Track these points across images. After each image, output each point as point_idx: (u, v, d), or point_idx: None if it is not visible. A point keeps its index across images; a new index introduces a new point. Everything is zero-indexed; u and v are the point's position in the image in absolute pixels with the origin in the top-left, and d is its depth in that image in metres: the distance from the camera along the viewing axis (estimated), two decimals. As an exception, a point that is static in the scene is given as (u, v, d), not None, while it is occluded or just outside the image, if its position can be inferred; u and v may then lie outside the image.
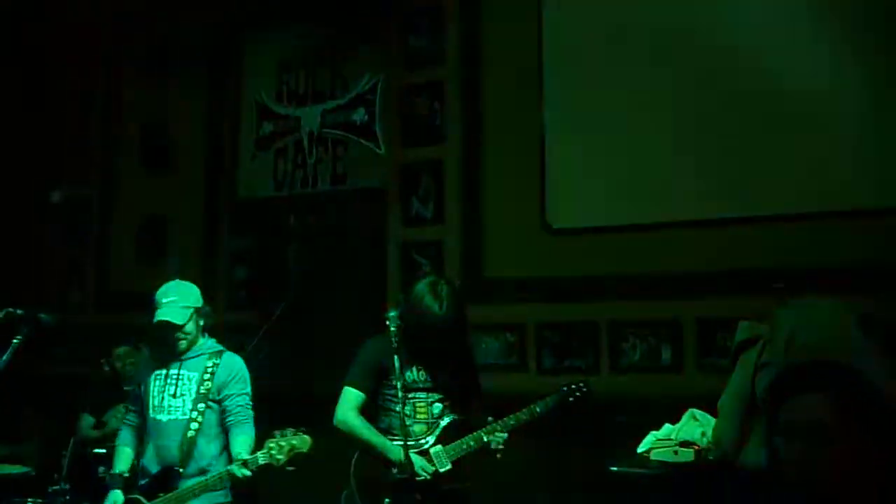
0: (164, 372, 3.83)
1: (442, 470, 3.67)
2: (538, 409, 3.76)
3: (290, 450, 3.45)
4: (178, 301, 3.75)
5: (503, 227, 5.19)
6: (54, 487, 4.39)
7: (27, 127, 6.59)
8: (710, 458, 3.26)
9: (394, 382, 3.53)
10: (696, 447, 3.43)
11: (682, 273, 4.73)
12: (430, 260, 5.31)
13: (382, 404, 3.74)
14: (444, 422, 3.74)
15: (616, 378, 4.86)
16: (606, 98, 5.02)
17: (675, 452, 3.44)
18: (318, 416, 5.17)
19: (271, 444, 3.46)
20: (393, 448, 3.64)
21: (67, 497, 4.45)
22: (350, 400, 3.76)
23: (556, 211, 5.11)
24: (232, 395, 3.77)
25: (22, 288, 6.58)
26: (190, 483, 3.62)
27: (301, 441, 3.46)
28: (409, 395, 3.67)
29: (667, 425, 3.60)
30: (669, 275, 4.76)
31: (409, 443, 3.54)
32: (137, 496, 3.74)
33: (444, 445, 3.69)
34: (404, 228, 5.42)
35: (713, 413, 3.03)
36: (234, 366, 3.86)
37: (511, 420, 3.72)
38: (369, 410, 3.79)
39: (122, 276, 6.44)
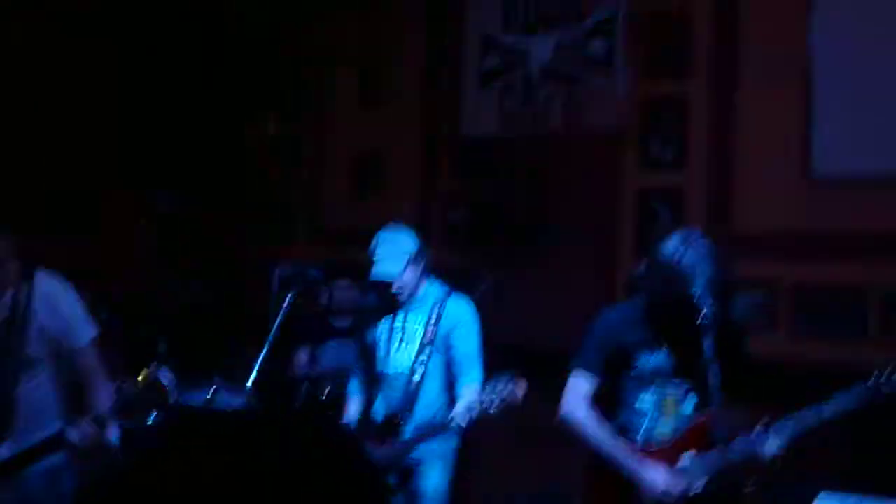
0: (388, 323, 3.73)
1: (695, 486, 2.88)
2: (828, 413, 2.83)
3: (503, 400, 3.25)
4: (390, 252, 3.61)
5: (757, 172, 4.59)
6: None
7: (237, 61, 6.55)
8: None
9: (636, 368, 2.99)
10: None
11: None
12: (669, 209, 4.82)
13: (619, 395, 3.07)
14: (699, 422, 2.98)
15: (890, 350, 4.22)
16: (884, 28, 4.29)
17: None
18: (540, 369, 4.92)
19: (484, 394, 3.29)
20: (641, 468, 2.90)
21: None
22: (579, 390, 3.10)
23: (823, 155, 4.46)
24: (459, 340, 3.61)
25: (235, 224, 6.72)
26: (414, 432, 3.55)
27: (513, 390, 3.25)
28: (656, 386, 3.01)
29: None
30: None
31: (653, 448, 2.96)
32: (366, 446, 3.65)
33: (697, 453, 2.93)
34: (641, 173, 4.92)
35: None
36: (460, 309, 3.69)
37: (790, 425, 2.85)
38: (602, 401, 3.16)
39: (336, 212, 6.36)
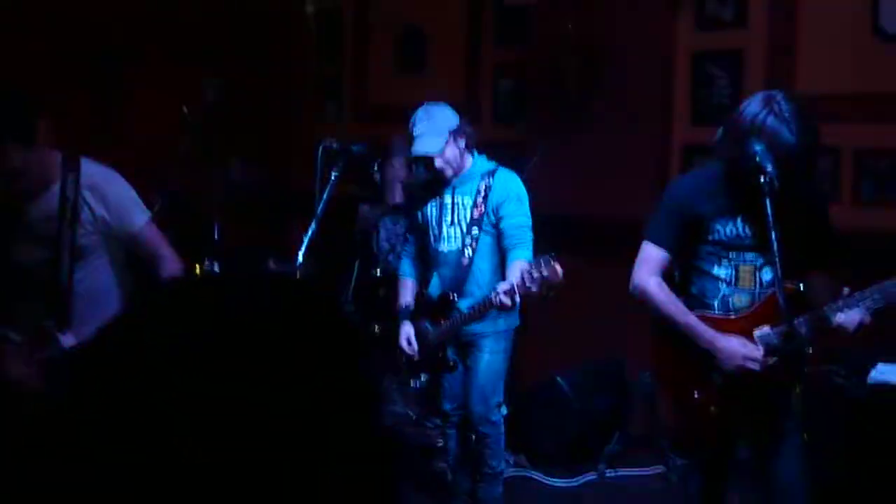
0: (437, 200, 3.69)
1: (771, 358, 2.78)
2: None
3: (543, 281, 3.18)
4: (429, 129, 3.53)
5: (821, 31, 4.34)
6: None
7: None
8: None
9: (711, 237, 2.84)
10: None
11: None
12: (727, 73, 4.60)
13: (694, 263, 2.94)
14: (774, 292, 2.77)
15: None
16: None
17: None
18: (591, 239, 4.86)
19: (525, 274, 3.23)
20: (718, 336, 2.80)
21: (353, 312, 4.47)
22: (650, 260, 2.96)
23: (892, 12, 4.20)
24: (507, 215, 3.55)
25: (278, 104, 6.63)
26: (467, 309, 3.52)
27: (552, 272, 3.17)
28: (731, 255, 2.85)
29: None
30: None
31: (730, 317, 2.84)
32: (424, 325, 3.71)
33: (772, 326, 2.80)
34: (696, 34, 4.69)
35: None
36: (508, 183, 3.61)
37: (869, 295, 2.66)
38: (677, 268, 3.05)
39: (381, 89, 6.23)
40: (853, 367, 3.71)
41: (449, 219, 3.65)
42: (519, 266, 3.36)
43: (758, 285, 2.85)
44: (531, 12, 5.22)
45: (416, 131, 3.55)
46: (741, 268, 2.85)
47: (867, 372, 3.63)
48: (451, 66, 5.77)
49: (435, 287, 3.73)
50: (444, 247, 3.66)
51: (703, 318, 2.86)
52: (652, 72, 4.81)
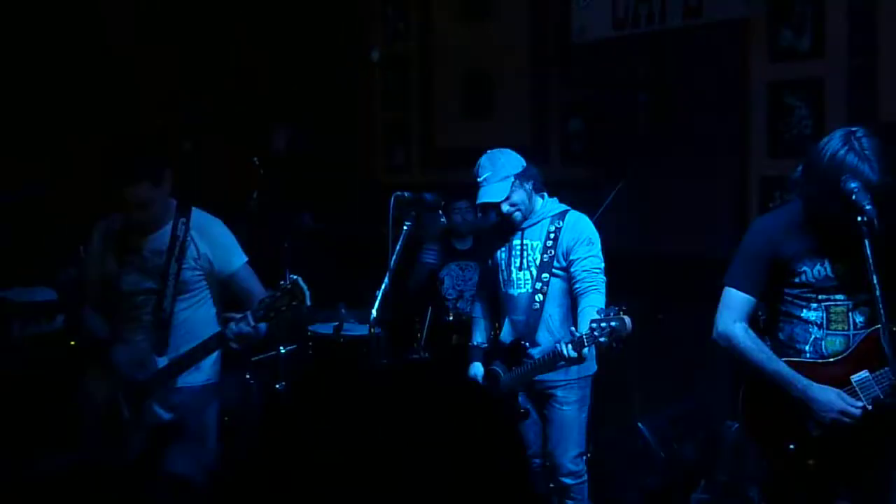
0: (508, 243, 3.60)
1: (868, 406, 2.63)
2: None
3: (611, 332, 3.02)
4: (493, 175, 3.48)
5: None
6: (414, 355, 4.33)
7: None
8: None
9: (798, 280, 2.71)
10: None
11: None
12: (806, 103, 4.44)
13: (780, 307, 2.82)
14: (869, 334, 2.68)
15: None
16: None
17: None
18: (668, 278, 4.71)
19: (593, 325, 3.06)
20: (811, 385, 2.66)
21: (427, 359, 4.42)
22: (734, 305, 2.83)
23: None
24: (578, 258, 3.43)
25: (344, 151, 6.68)
26: (539, 356, 3.40)
27: (621, 324, 3.01)
28: (820, 297, 2.72)
29: None
30: None
31: (825, 362, 2.69)
32: (496, 368, 3.61)
33: (871, 372, 2.64)
34: (772, 65, 4.55)
35: None
36: (579, 226, 3.50)
37: None
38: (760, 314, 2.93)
39: (448, 133, 6.21)
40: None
41: (518, 262, 3.55)
42: (588, 315, 3.21)
43: (852, 327, 2.70)
44: (599, 50, 5.14)
45: (481, 178, 3.51)
46: (832, 310, 2.71)
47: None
48: (517, 108, 5.72)
49: (507, 333, 3.64)
50: (515, 290, 3.57)
51: (794, 365, 2.72)
52: (726, 105, 4.67)
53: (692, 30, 4.63)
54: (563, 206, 3.59)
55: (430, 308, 4.63)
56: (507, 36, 5.73)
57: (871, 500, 2.72)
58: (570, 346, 3.13)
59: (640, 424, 4.39)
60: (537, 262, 3.50)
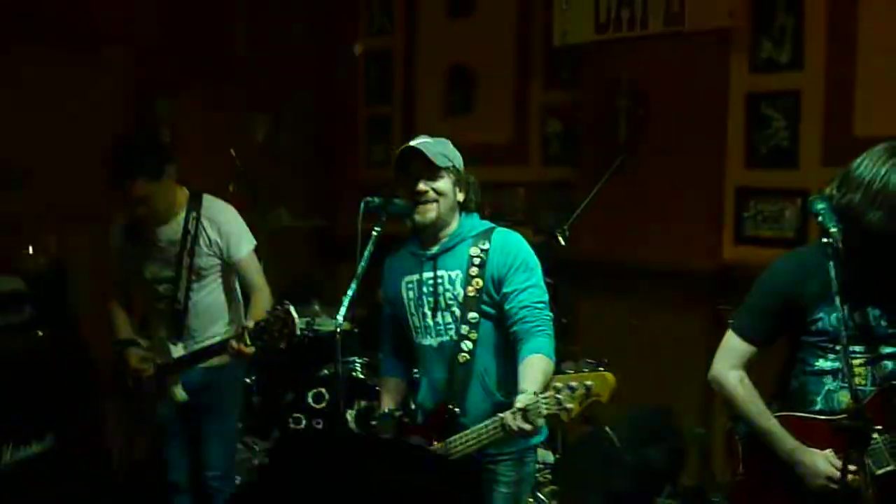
0: (415, 277, 2.78)
1: (879, 472, 2.36)
2: None
3: (585, 395, 2.35)
4: (435, 146, 2.75)
5: (883, 72, 4.20)
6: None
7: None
8: None
9: (814, 326, 2.43)
10: None
11: None
12: (783, 114, 4.47)
13: (798, 354, 2.56)
14: (884, 389, 2.43)
15: None
16: None
17: None
18: (642, 288, 4.73)
19: (558, 386, 2.36)
20: (798, 447, 2.43)
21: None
22: (733, 352, 2.59)
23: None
24: (515, 291, 2.64)
25: (326, 145, 6.64)
26: (473, 428, 2.60)
27: (601, 383, 2.37)
28: (837, 347, 2.42)
29: None
30: None
31: (833, 419, 2.39)
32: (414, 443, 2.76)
33: (889, 434, 2.36)
34: (751, 76, 4.57)
35: None
36: (510, 246, 2.71)
37: None
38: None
39: (431, 131, 6.18)
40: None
41: (432, 302, 2.73)
42: (540, 366, 2.49)
43: (869, 382, 2.47)
44: (581, 54, 5.15)
45: (416, 141, 2.77)
46: (850, 361, 2.40)
47: None
48: (499, 107, 5.71)
49: (425, 395, 2.83)
50: (431, 340, 2.75)
51: (797, 421, 2.52)
52: (704, 113, 4.69)
53: (673, 37, 4.63)
54: (487, 224, 2.80)
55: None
56: (492, 34, 5.71)
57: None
58: (520, 419, 2.40)
59: (606, 428, 4.41)
60: (459, 298, 2.69)
